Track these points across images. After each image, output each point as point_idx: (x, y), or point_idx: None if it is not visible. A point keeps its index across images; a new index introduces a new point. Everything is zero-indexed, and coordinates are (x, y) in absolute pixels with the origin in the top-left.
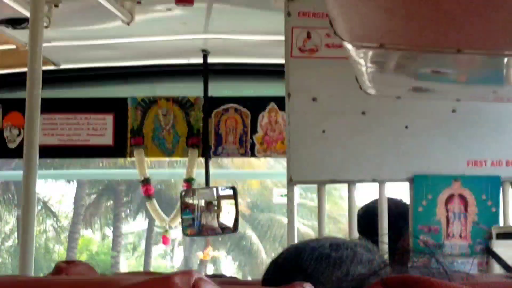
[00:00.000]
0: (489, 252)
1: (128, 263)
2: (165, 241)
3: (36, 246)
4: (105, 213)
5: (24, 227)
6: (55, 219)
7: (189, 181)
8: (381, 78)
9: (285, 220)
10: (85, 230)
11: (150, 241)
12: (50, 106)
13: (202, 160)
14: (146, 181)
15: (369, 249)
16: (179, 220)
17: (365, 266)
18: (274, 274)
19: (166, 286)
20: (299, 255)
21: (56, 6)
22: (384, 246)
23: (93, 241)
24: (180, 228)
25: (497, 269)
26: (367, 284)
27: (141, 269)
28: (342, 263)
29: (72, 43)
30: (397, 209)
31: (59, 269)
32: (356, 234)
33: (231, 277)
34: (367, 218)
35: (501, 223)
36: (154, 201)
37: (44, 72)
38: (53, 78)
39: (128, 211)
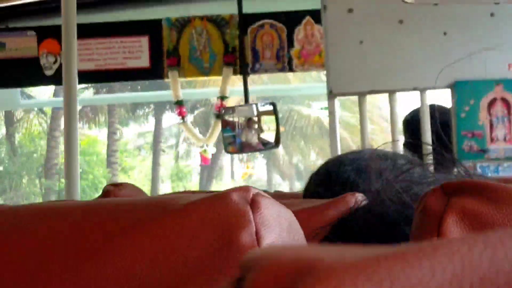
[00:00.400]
0: None
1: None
2: (204, 160)
3: None
4: None
5: (67, 152)
6: None
7: (222, 98)
8: None
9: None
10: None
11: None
12: (84, 31)
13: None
14: (179, 103)
15: (409, 159)
16: (215, 138)
17: (405, 176)
18: (315, 187)
19: (225, 202)
20: (339, 167)
21: None
22: (429, 154)
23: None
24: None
25: None
26: (410, 193)
27: None
28: (381, 174)
29: None
30: (445, 116)
31: (107, 192)
32: (399, 144)
33: (276, 191)
34: (413, 124)
35: None
36: (188, 122)
37: None
38: (86, 3)
39: None
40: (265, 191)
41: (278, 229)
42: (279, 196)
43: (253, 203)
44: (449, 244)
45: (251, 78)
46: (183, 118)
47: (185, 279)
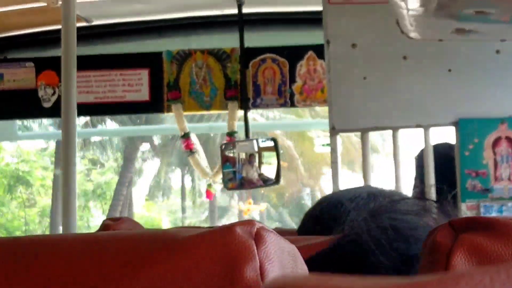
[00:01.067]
0: None
1: None
2: (209, 195)
3: None
4: None
5: (65, 185)
6: None
7: (231, 134)
8: (422, 21)
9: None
10: None
11: None
12: (84, 63)
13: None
14: (186, 136)
15: (406, 198)
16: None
17: (403, 215)
18: (312, 224)
19: (229, 236)
20: (336, 206)
21: None
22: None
23: None
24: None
25: None
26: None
27: None
28: (381, 214)
29: None
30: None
31: (106, 226)
32: (401, 181)
33: (276, 227)
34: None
35: None
36: (196, 155)
37: (77, 29)
38: (85, 35)
39: None
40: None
41: (282, 264)
42: (279, 232)
43: (257, 237)
44: (470, 275)
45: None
46: (191, 150)
47: None
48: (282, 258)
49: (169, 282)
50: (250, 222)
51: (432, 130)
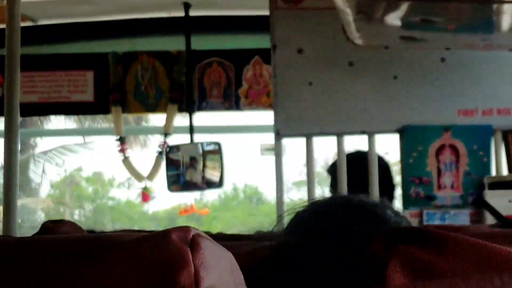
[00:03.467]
0: (482, 203)
1: None
2: (145, 198)
3: None
4: None
5: (6, 187)
6: None
7: (165, 135)
8: (368, 28)
9: None
10: None
11: None
12: (29, 63)
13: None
14: (121, 140)
15: (387, 207)
16: (156, 176)
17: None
18: (296, 234)
19: (164, 243)
20: (322, 215)
21: None
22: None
23: None
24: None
25: (489, 219)
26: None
27: None
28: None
29: None
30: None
31: (45, 228)
32: (345, 188)
33: (218, 232)
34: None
35: (493, 173)
36: (130, 159)
37: (22, 28)
38: (31, 34)
39: None
40: (207, 232)
41: (218, 271)
42: (222, 238)
43: (193, 244)
44: None
45: None
46: (124, 155)
47: None
48: (218, 265)
49: (103, 286)
50: (185, 229)
51: (377, 137)
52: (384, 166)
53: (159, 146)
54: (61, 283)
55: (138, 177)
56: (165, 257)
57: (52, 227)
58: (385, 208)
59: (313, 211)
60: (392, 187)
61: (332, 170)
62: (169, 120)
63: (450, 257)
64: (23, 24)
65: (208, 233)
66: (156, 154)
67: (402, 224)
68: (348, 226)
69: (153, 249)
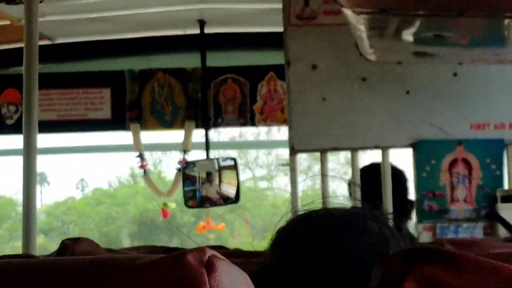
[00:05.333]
0: (495, 216)
1: None
2: (164, 214)
3: None
4: None
5: (26, 204)
6: None
7: (184, 152)
8: (381, 44)
9: None
10: None
11: None
12: (46, 81)
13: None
14: (140, 156)
15: (382, 218)
16: (176, 192)
17: (374, 238)
18: (279, 244)
19: (180, 264)
20: (306, 224)
21: None
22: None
23: None
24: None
25: (503, 232)
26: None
27: None
28: (347, 234)
29: (67, 17)
30: (396, 176)
31: (64, 247)
32: (359, 200)
33: (235, 248)
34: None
35: (506, 186)
36: (149, 175)
37: (40, 47)
38: (48, 53)
39: None
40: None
41: None
42: (239, 254)
43: (209, 265)
44: None
45: None
46: (144, 171)
47: None
48: (233, 287)
49: None
50: (202, 250)
51: (391, 152)
52: (402, 180)
53: (179, 163)
54: None
55: (158, 193)
56: (181, 279)
57: (71, 244)
58: (369, 219)
59: (295, 224)
60: (409, 201)
61: (350, 184)
62: (187, 137)
63: (468, 277)
64: (40, 43)
65: (225, 248)
66: (175, 171)
67: (388, 236)
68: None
69: (169, 271)
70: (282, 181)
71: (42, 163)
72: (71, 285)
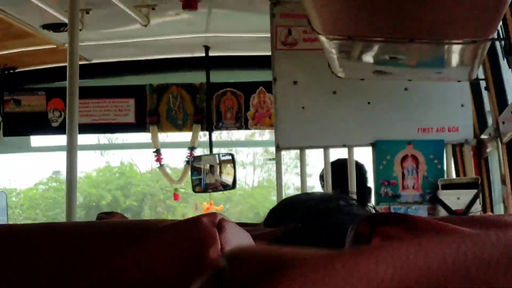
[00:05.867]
0: (436, 200)
1: None
2: (176, 197)
3: None
4: None
5: (68, 186)
6: None
7: (191, 149)
8: (348, 64)
9: None
10: None
11: None
12: (84, 93)
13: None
14: (157, 151)
15: (349, 202)
16: (185, 180)
17: (345, 215)
18: (272, 221)
19: (196, 225)
20: (292, 206)
21: (87, 13)
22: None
23: None
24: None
25: (443, 213)
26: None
27: None
28: (325, 211)
29: (101, 42)
30: (358, 169)
31: (100, 218)
32: (330, 189)
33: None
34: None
35: (445, 177)
36: (164, 167)
37: (79, 66)
38: (86, 71)
39: None
40: None
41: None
42: (239, 224)
43: (219, 226)
44: (390, 246)
45: None
46: (160, 164)
47: (167, 284)
48: (238, 243)
49: (149, 260)
50: (214, 214)
51: (355, 150)
52: (363, 172)
53: (187, 157)
54: (118, 259)
55: (171, 180)
56: (197, 236)
57: (105, 217)
58: (340, 200)
59: (291, 204)
60: (368, 188)
61: (322, 176)
62: (194, 137)
63: (418, 233)
64: (80, 62)
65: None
66: (184, 163)
67: (355, 211)
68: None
69: (188, 230)
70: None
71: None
72: (109, 241)
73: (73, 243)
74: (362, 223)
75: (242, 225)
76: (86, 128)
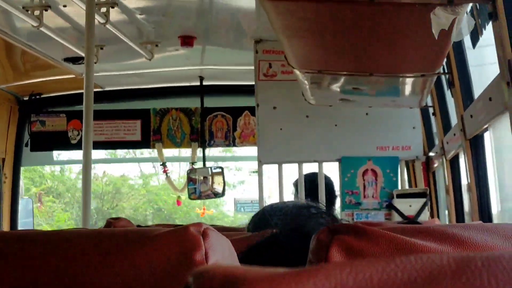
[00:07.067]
0: (392, 207)
1: None
2: (178, 203)
3: None
4: None
5: (84, 195)
6: None
7: (192, 163)
8: (319, 93)
9: None
10: None
11: None
12: (98, 115)
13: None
14: (163, 164)
15: (319, 209)
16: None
17: (315, 220)
18: (254, 225)
19: (183, 234)
20: (270, 212)
21: (102, 48)
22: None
23: None
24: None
25: (396, 217)
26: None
27: None
28: (298, 218)
29: (113, 73)
30: (326, 181)
31: (108, 223)
32: (303, 198)
33: (220, 225)
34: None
35: (399, 187)
36: (170, 177)
37: (94, 93)
38: (100, 96)
39: None
40: (212, 225)
41: (220, 252)
42: (223, 229)
43: (204, 234)
44: (327, 267)
45: None
46: (166, 174)
47: (160, 285)
48: (220, 248)
49: (144, 263)
50: (199, 224)
51: (324, 164)
52: (330, 183)
53: (188, 170)
54: (117, 262)
55: (175, 189)
56: (185, 242)
57: (113, 222)
58: (311, 208)
59: (273, 211)
60: (334, 197)
61: (295, 184)
62: (193, 153)
63: (372, 244)
64: (95, 90)
65: (213, 226)
66: (186, 175)
67: (320, 220)
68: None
69: (177, 237)
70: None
71: None
72: (109, 247)
73: (74, 249)
74: (323, 231)
75: (227, 229)
76: (100, 145)
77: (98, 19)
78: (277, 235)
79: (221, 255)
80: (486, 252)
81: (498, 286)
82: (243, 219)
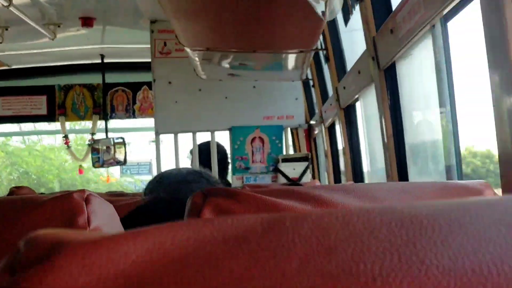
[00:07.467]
0: (278, 170)
1: None
2: (80, 171)
3: None
4: None
5: None
6: None
7: (92, 134)
8: (209, 68)
9: None
10: None
11: None
12: (7, 91)
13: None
14: (66, 137)
15: (209, 175)
16: (88, 158)
17: (199, 185)
18: (149, 190)
19: (69, 199)
20: (164, 178)
21: (6, 29)
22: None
23: None
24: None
25: (282, 180)
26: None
27: None
28: (190, 183)
29: (19, 52)
30: (219, 148)
31: (11, 191)
32: (197, 166)
33: (110, 191)
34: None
35: (284, 153)
36: (72, 148)
37: (1, 71)
38: (7, 74)
39: None
40: (114, 191)
41: (102, 217)
42: (121, 195)
43: (87, 200)
44: (149, 230)
45: None
46: (68, 146)
47: None
48: (102, 213)
49: (27, 230)
50: (83, 191)
51: (216, 133)
52: (223, 151)
53: (89, 140)
54: (6, 229)
55: (76, 159)
56: (69, 208)
57: (16, 190)
58: (201, 173)
59: (162, 177)
60: (227, 163)
61: (190, 153)
62: (94, 124)
63: (242, 205)
64: (2, 68)
65: (107, 192)
66: (87, 145)
67: (203, 185)
68: (180, 185)
69: (62, 203)
70: None
71: None
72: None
73: None
74: (197, 195)
75: (122, 194)
76: (8, 119)
77: (1, 1)
78: (156, 200)
79: (103, 219)
80: (297, 213)
81: (300, 241)
82: (128, 181)
